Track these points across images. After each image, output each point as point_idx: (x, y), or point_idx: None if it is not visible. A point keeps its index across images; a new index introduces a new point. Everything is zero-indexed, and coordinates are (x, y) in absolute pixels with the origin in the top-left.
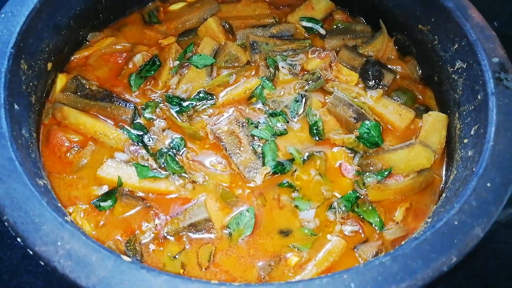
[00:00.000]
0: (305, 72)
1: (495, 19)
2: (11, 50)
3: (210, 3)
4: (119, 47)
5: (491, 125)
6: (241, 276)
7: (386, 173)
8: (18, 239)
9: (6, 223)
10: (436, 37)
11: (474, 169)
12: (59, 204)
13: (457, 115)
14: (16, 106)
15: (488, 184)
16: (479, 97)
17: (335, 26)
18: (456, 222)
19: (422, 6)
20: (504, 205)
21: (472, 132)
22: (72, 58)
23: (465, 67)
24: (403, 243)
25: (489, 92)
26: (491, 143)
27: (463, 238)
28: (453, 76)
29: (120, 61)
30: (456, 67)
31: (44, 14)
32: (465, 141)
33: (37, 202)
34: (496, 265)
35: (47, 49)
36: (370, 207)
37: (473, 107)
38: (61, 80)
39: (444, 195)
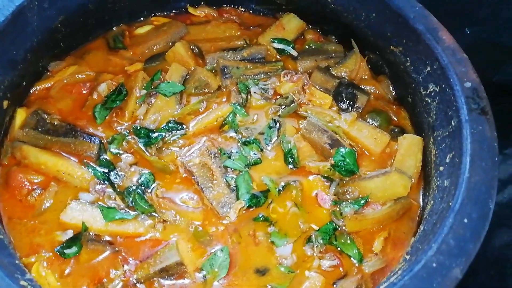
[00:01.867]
0: (278, 96)
1: (467, 25)
2: None
3: (177, 26)
4: (82, 76)
5: (466, 154)
6: None
7: (362, 201)
8: None
9: None
10: (408, 58)
11: (450, 203)
12: (16, 262)
13: (432, 139)
14: None
15: (465, 220)
16: (453, 123)
17: (307, 46)
18: (434, 264)
19: (393, 27)
20: (481, 241)
21: (447, 160)
22: (32, 90)
23: (438, 90)
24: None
25: (463, 119)
26: (467, 174)
27: (441, 282)
28: (426, 99)
29: (84, 92)
30: (429, 90)
31: None
32: (441, 168)
33: None
34: None
35: (1, 86)
36: (348, 239)
37: (447, 133)
38: (21, 115)
39: (422, 227)
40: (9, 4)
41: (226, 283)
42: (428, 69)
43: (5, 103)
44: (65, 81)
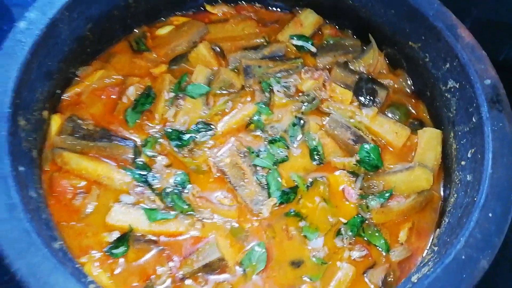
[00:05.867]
0: (300, 94)
1: (472, 5)
2: (9, 110)
3: (198, 26)
4: (110, 80)
5: (488, 151)
6: None
7: (387, 195)
8: None
9: None
10: (427, 54)
11: (475, 198)
12: (77, 266)
13: (452, 133)
14: (20, 168)
15: (490, 215)
16: (473, 119)
17: (325, 42)
18: (463, 257)
19: (411, 24)
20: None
21: (469, 155)
22: (64, 96)
23: (458, 87)
24: (416, 280)
25: (484, 117)
26: (490, 171)
27: (471, 273)
28: (446, 94)
29: (113, 96)
30: (448, 86)
31: (35, 64)
32: (463, 163)
33: (60, 275)
34: None
35: (41, 98)
36: (375, 230)
37: (468, 129)
38: (56, 121)
39: (446, 220)
40: (42, 18)
41: (264, 276)
42: (447, 66)
43: (45, 113)
44: (94, 86)
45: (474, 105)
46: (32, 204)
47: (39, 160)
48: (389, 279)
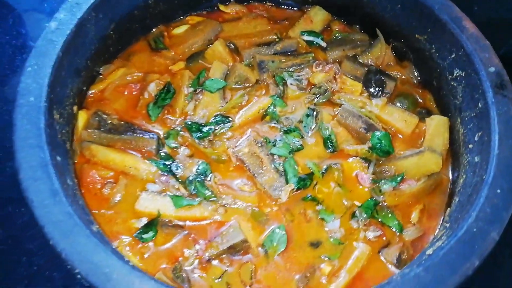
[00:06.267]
0: (312, 86)
1: (475, 3)
2: (45, 104)
3: (212, 25)
4: (131, 77)
5: (494, 133)
6: None
7: (399, 178)
8: None
9: (79, 276)
10: (433, 46)
11: (484, 177)
12: (114, 247)
13: (459, 120)
14: (58, 158)
15: (498, 191)
16: (479, 105)
17: (334, 37)
18: (475, 229)
19: (417, 18)
20: None
21: (476, 138)
22: (89, 93)
23: (463, 75)
24: (431, 252)
25: (489, 102)
26: (496, 151)
27: (482, 244)
28: (452, 83)
29: (135, 92)
30: (454, 75)
31: (66, 62)
32: (470, 146)
33: (102, 253)
34: None
35: (71, 93)
36: (389, 212)
37: (474, 114)
38: (82, 117)
39: (457, 198)
40: (71, 18)
41: (285, 256)
42: (453, 56)
43: (75, 108)
44: (116, 82)
45: (480, 91)
46: (69, 191)
47: (71, 152)
48: (403, 257)
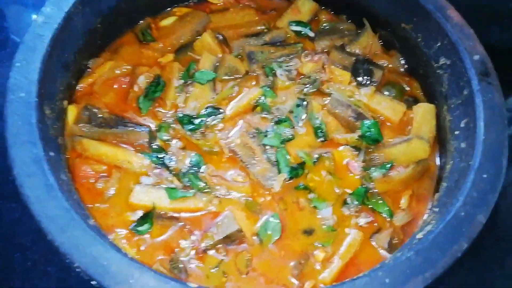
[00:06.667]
0: (301, 76)
1: None
2: (35, 99)
3: (200, 16)
4: (120, 71)
5: (480, 120)
6: (277, 276)
7: (388, 166)
8: (93, 282)
9: (78, 269)
10: (419, 35)
11: (470, 163)
12: (110, 240)
13: (445, 107)
14: (51, 153)
15: (484, 176)
16: (464, 92)
17: (321, 27)
18: (462, 213)
19: (403, 7)
20: (498, 193)
21: (462, 125)
22: (78, 87)
23: (449, 63)
24: (421, 236)
25: (474, 89)
26: (482, 137)
27: (469, 227)
28: (438, 71)
29: (124, 86)
30: (440, 63)
31: (54, 56)
32: (456, 132)
33: (100, 246)
34: None
35: (61, 88)
36: (379, 199)
37: (460, 101)
38: (72, 111)
39: (444, 184)
40: (58, 12)
41: (280, 244)
42: (438, 44)
43: (65, 103)
44: (105, 76)
45: (465, 79)
46: (64, 186)
47: (63, 147)
48: (394, 242)
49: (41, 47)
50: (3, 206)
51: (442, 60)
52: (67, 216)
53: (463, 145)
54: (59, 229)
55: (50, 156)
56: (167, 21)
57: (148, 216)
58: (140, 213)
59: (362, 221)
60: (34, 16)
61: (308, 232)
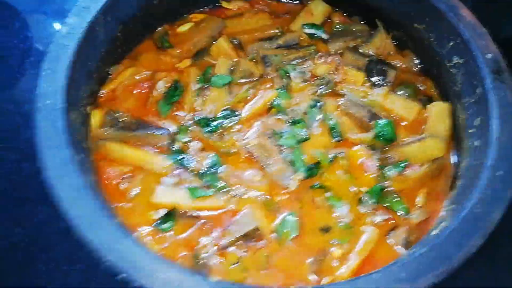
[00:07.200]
0: (315, 78)
1: None
2: (62, 106)
3: (215, 22)
4: (140, 77)
5: (493, 118)
6: (295, 272)
7: (403, 165)
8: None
9: (108, 264)
10: (431, 34)
11: (484, 160)
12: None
13: (459, 106)
14: (78, 157)
15: (499, 173)
16: (478, 91)
17: (335, 29)
18: (477, 210)
19: (415, 7)
20: None
21: (475, 123)
22: (100, 93)
23: (462, 62)
24: (437, 232)
25: (487, 88)
26: (496, 135)
27: (484, 224)
28: (451, 70)
29: (144, 91)
30: (453, 62)
31: (78, 65)
32: (470, 131)
33: (127, 242)
34: None
35: (85, 95)
36: (395, 197)
37: (473, 100)
38: (96, 116)
39: (459, 182)
40: (81, 22)
41: (298, 241)
42: (451, 44)
43: (89, 109)
44: (126, 82)
45: (478, 78)
46: (92, 186)
47: (88, 150)
48: (410, 239)
49: (65, 56)
50: (30, 209)
51: (455, 59)
52: (96, 215)
53: (477, 143)
54: (89, 227)
55: (78, 159)
56: (184, 28)
57: (171, 215)
58: (162, 212)
59: (378, 218)
60: (56, 25)
61: (325, 229)
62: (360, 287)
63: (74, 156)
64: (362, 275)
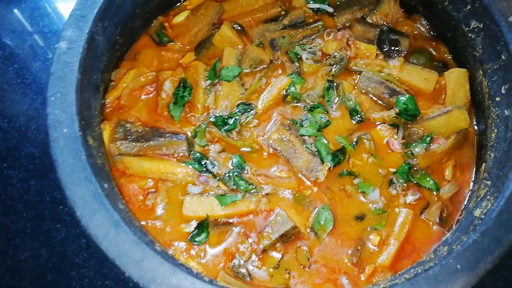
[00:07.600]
0: (327, 57)
1: None
2: (80, 133)
3: (213, 7)
4: (144, 79)
5: None
6: (337, 265)
7: (428, 139)
8: None
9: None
10: None
11: None
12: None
13: (480, 72)
14: (105, 185)
15: None
16: (503, 57)
17: (339, 0)
18: None
19: None
20: None
21: (503, 91)
22: (105, 103)
23: (481, 26)
24: (480, 213)
25: None
26: None
27: None
28: (470, 35)
29: (151, 95)
30: (471, 26)
31: (85, 81)
32: (497, 99)
33: (170, 269)
34: None
35: (96, 112)
36: (423, 174)
37: (497, 66)
38: (106, 130)
39: (492, 154)
40: (80, 34)
41: (335, 234)
42: (469, 7)
43: (102, 126)
44: (130, 86)
45: (502, 43)
46: (126, 216)
47: (111, 173)
48: (444, 215)
49: (71, 75)
50: (48, 228)
51: (474, 24)
52: (138, 248)
53: (507, 112)
54: (133, 263)
55: (106, 188)
56: (180, 18)
57: (203, 226)
58: (194, 224)
59: (410, 198)
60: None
61: (360, 217)
62: (421, 285)
63: (102, 187)
64: (419, 272)
